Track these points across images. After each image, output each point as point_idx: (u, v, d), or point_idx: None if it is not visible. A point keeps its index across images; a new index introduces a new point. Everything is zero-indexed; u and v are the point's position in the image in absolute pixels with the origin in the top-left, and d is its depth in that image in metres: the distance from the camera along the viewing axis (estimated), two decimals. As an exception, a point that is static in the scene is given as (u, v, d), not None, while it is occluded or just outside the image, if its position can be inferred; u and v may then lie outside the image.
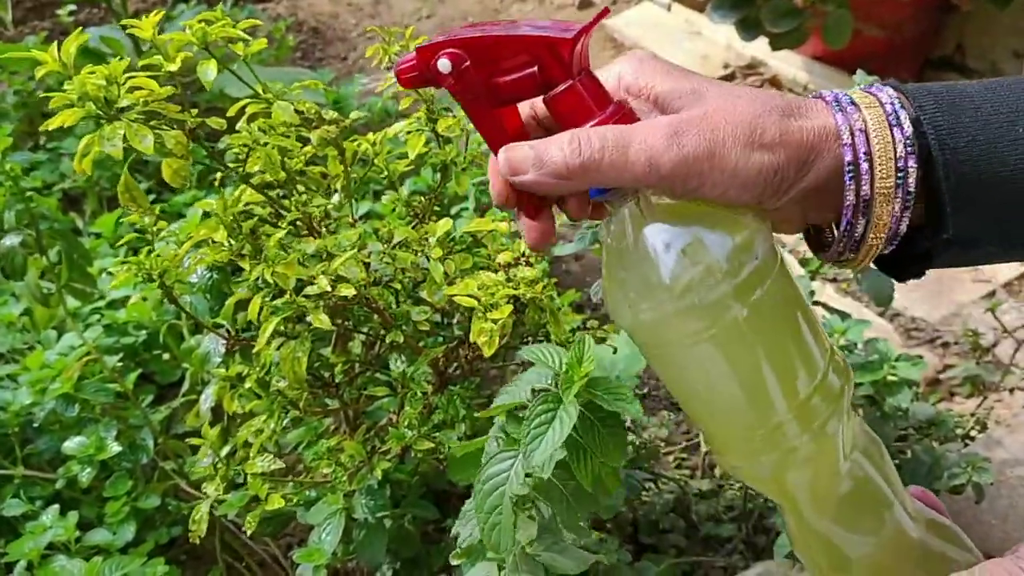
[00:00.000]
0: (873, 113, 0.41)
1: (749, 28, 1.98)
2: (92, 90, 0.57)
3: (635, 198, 0.43)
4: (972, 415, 1.22)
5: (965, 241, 0.42)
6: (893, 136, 0.41)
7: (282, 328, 0.78)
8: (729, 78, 2.32)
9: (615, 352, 0.86)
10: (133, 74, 0.59)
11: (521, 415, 0.65)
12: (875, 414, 1.00)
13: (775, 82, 2.28)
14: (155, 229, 0.73)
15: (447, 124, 0.74)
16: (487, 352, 0.60)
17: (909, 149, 0.41)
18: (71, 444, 1.06)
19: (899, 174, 0.41)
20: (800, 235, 0.48)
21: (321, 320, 0.64)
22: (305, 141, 0.73)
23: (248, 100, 0.68)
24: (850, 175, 0.41)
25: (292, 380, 0.77)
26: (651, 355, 0.46)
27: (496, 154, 0.44)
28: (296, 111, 0.67)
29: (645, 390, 1.42)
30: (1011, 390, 1.32)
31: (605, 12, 0.43)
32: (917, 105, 0.41)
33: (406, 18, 2.70)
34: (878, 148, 0.41)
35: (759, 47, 2.19)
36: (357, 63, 2.50)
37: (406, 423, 0.79)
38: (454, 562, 0.78)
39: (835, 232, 0.45)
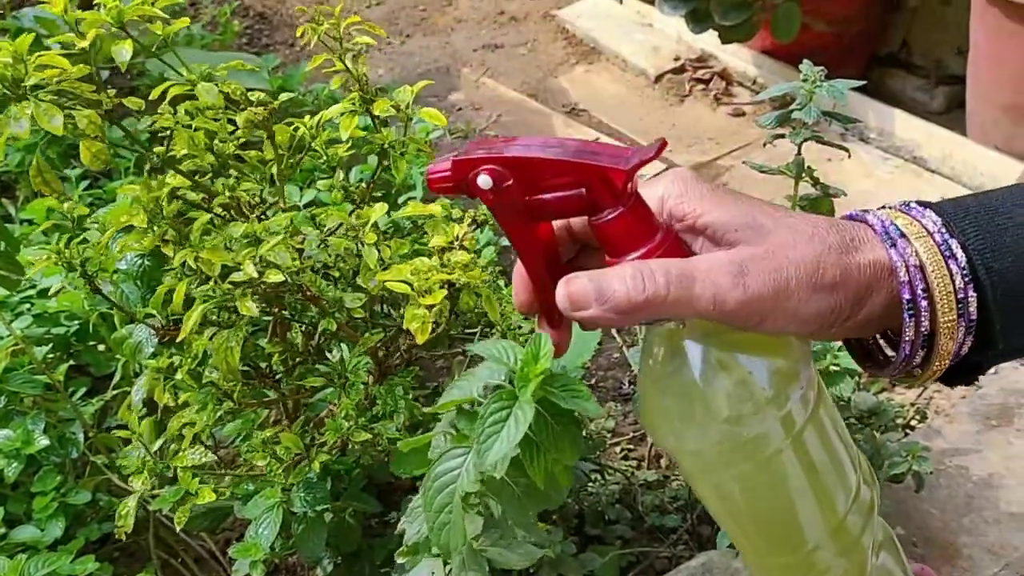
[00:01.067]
0: (925, 245, 0.42)
1: (699, 20, 1.99)
2: (-3, 68, 0.54)
3: (681, 323, 0.42)
4: (912, 405, 1.24)
5: (1014, 351, 0.43)
6: (950, 269, 0.41)
7: (214, 317, 0.76)
8: (680, 71, 2.33)
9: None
10: (42, 52, 0.56)
11: (474, 411, 0.64)
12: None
13: (725, 75, 2.29)
14: (76, 215, 0.70)
15: (383, 106, 0.72)
16: (420, 339, 0.59)
17: (967, 280, 0.41)
18: (-4, 438, 1.02)
19: (959, 306, 0.41)
20: None
21: (248, 307, 0.61)
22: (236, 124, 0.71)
23: (171, 83, 0.65)
24: (910, 313, 0.41)
25: (225, 371, 0.75)
26: (693, 479, 0.46)
27: (526, 263, 0.43)
28: (221, 92, 0.64)
29: (592, 380, 1.41)
30: (950, 380, 1.34)
31: (663, 146, 0.42)
32: (960, 230, 0.42)
33: (355, 4, 2.66)
34: (937, 284, 0.41)
35: (709, 40, 2.20)
36: (305, 49, 2.45)
37: (343, 414, 0.77)
38: (399, 560, 0.76)
39: (879, 344, 0.46)
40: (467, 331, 1.12)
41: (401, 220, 0.84)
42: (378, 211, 0.67)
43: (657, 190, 0.43)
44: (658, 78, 2.32)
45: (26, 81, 0.54)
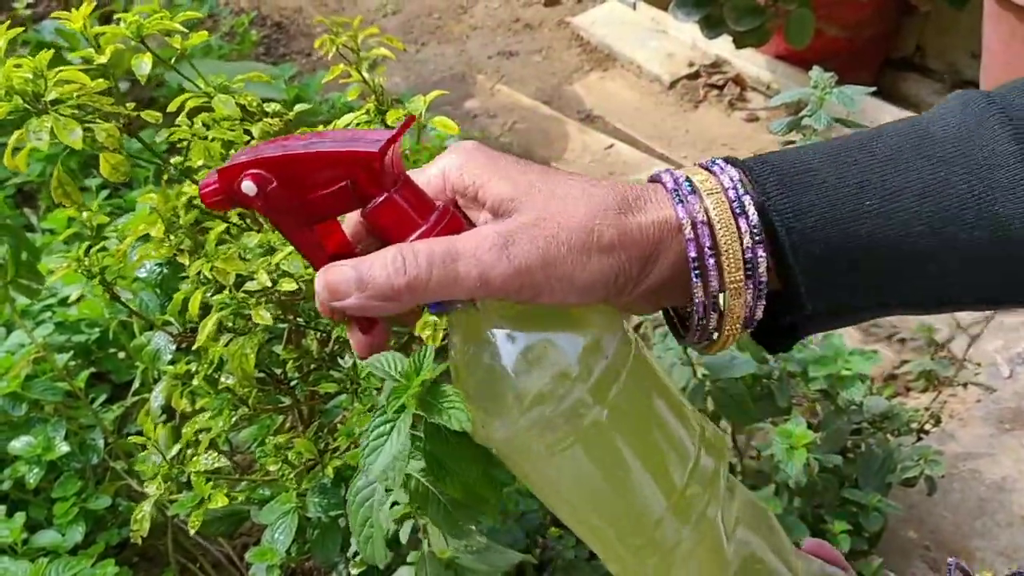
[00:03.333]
0: (715, 200, 0.39)
1: (712, 26, 1.99)
2: (18, 83, 0.55)
3: (473, 306, 0.40)
4: (926, 409, 1.23)
5: (827, 312, 0.41)
6: (739, 226, 0.39)
7: (230, 324, 0.77)
8: (694, 76, 2.33)
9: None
10: (62, 68, 0.57)
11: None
12: (830, 408, 1.01)
13: (739, 80, 2.30)
14: (95, 224, 0.71)
15: (397, 116, 0.73)
16: (430, 344, 0.60)
17: (757, 239, 0.39)
18: (18, 444, 1.04)
19: (748, 266, 0.39)
20: None
21: (262, 316, 0.62)
22: (252, 135, 0.72)
23: (188, 95, 0.67)
24: (696, 272, 0.39)
25: (240, 377, 0.76)
26: (516, 470, 0.43)
27: (317, 268, 0.40)
28: (238, 104, 0.66)
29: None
30: (965, 385, 1.34)
31: (411, 120, 0.41)
32: (760, 188, 0.39)
33: (371, 14, 2.68)
34: (724, 240, 0.39)
35: (723, 46, 2.21)
36: (321, 59, 2.48)
37: (355, 419, 0.78)
38: (354, 572, 0.77)
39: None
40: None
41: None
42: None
43: (440, 165, 0.42)
44: (672, 84, 2.33)
45: (46, 96, 0.56)
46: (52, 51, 0.58)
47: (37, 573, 0.93)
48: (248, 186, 0.38)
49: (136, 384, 1.15)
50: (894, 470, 1.00)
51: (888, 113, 2.04)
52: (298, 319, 0.85)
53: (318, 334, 0.88)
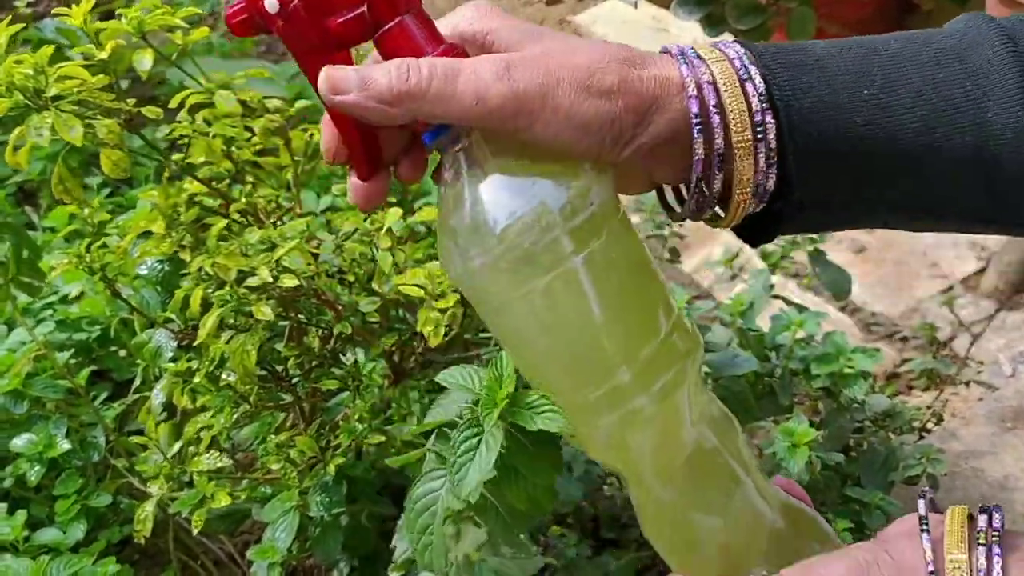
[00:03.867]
0: (721, 67, 0.40)
1: (714, 24, 1.99)
2: (19, 79, 0.55)
3: (468, 141, 0.41)
4: (928, 408, 1.23)
5: (815, 203, 0.41)
6: (745, 90, 0.39)
7: (232, 321, 0.77)
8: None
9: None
10: (63, 64, 0.57)
11: (451, 434, 0.63)
12: (832, 406, 1.01)
13: (740, 79, 2.30)
14: (96, 221, 0.71)
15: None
16: (433, 342, 0.60)
17: (764, 104, 0.39)
18: (19, 441, 1.04)
19: (757, 128, 0.39)
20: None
21: (263, 312, 0.62)
22: (253, 131, 0.72)
23: (189, 91, 0.67)
24: (698, 128, 0.39)
25: (242, 374, 0.76)
26: (483, 310, 0.44)
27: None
28: (239, 101, 0.66)
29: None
30: (967, 383, 1.34)
31: None
32: (763, 64, 0.40)
33: (372, 13, 2.68)
34: (730, 101, 0.39)
35: (724, 44, 2.20)
36: (322, 58, 2.47)
37: (357, 416, 0.78)
38: (394, 575, 0.77)
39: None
40: (482, 334, 1.13)
41: (416, 225, 0.85)
42: (392, 216, 0.68)
43: (453, 18, 0.43)
44: (673, 83, 2.33)
45: (47, 92, 0.56)
46: (53, 47, 0.58)
47: (38, 571, 0.93)
48: (271, 3, 0.40)
49: (137, 382, 1.15)
50: (896, 468, 1.00)
51: (890, 112, 2.04)
52: (299, 316, 0.85)
53: (319, 331, 0.88)
